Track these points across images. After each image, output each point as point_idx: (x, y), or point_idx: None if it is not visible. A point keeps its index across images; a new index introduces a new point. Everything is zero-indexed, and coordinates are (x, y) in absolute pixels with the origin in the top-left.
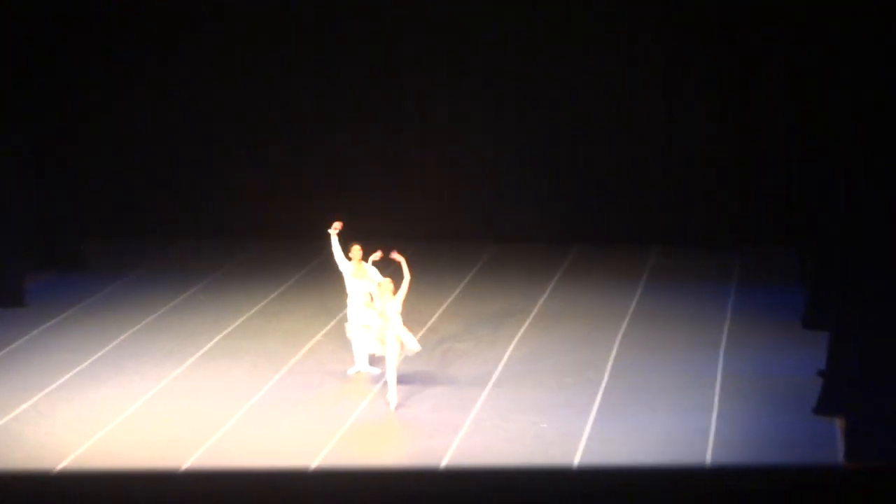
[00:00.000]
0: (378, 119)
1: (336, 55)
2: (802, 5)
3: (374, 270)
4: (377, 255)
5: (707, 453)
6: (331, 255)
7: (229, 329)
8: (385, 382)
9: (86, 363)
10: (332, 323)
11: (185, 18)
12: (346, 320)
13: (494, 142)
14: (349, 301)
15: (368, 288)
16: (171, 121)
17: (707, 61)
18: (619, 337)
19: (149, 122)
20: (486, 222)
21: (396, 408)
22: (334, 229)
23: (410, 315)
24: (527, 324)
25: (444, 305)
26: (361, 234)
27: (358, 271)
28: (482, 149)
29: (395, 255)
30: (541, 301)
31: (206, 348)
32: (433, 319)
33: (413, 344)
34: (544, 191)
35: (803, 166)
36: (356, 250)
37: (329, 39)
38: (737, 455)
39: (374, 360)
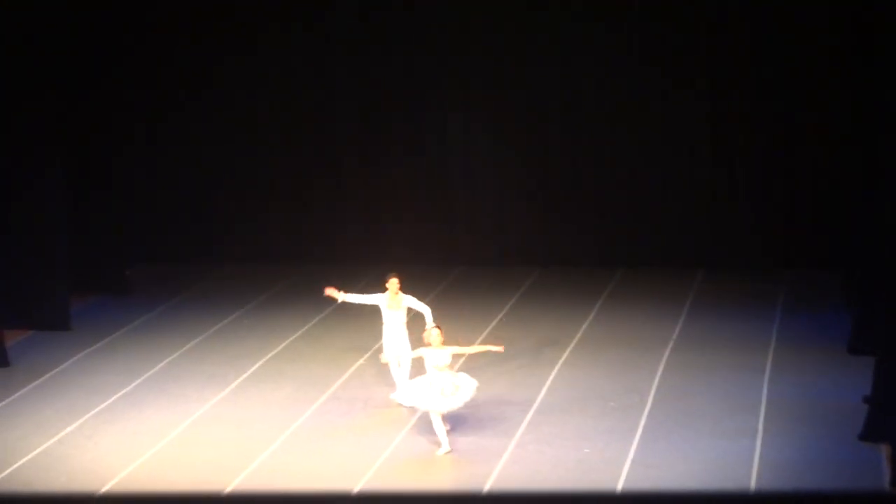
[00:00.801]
0: (419, 144)
1: (376, 80)
2: (847, 34)
3: (411, 299)
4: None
5: (751, 479)
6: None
7: (272, 353)
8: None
9: (130, 387)
10: (375, 347)
11: (228, 50)
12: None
13: (538, 166)
14: (385, 330)
15: (404, 317)
16: (214, 149)
17: (751, 87)
18: (664, 362)
19: (193, 151)
20: (529, 247)
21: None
22: (339, 298)
23: (453, 340)
24: (570, 348)
25: (488, 330)
26: (404, 260)
27: (393, 302)
28: (525, 174)
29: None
30: (584, 326)
31: (249, 372)
32: (477, 343)
33: (469, 389)
34: (588, 215)
35: (848, 191)
36: (393, 283)
37: (369, 64)
38: (781, 480)
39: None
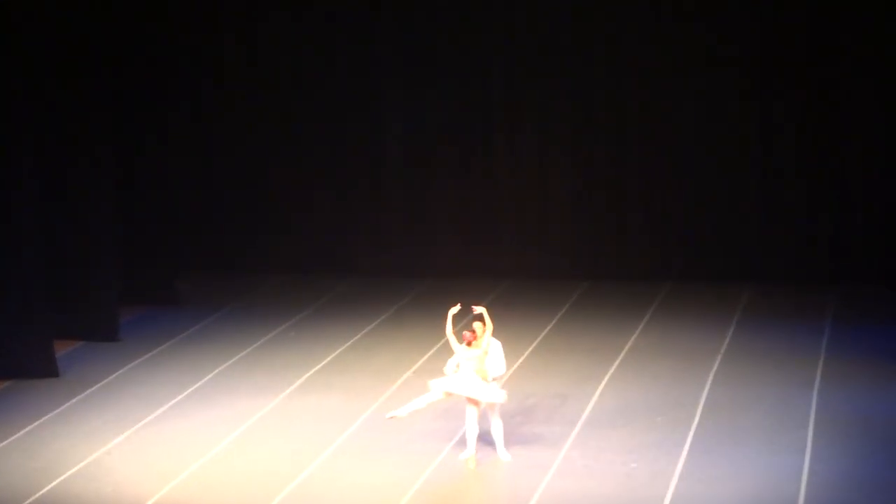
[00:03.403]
0: (467, 156)
1: (423, 94)
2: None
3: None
4: (456, 309)
5: (800, 494)
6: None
7: (320, 365)
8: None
9: (179, 397)
10: (423, 360)
11: (276, 66)
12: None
13: (585, 179)
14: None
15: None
16: (264, 160)
17: (801, 100)
18: (712, 375)
19: (243, 162)
20: (576, 260)
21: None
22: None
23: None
24: (618, 361)
25: (535, 343)
26: (451, 272)
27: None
28: (573, 187)
29: (477, 309)
30: (632, 339)
31: (297, 384)
32: (524, 357)
33: (494, 393)
34: (636, 228)
35: None
36: (479, 326)
37: (415, 78)
38: (830, 497)
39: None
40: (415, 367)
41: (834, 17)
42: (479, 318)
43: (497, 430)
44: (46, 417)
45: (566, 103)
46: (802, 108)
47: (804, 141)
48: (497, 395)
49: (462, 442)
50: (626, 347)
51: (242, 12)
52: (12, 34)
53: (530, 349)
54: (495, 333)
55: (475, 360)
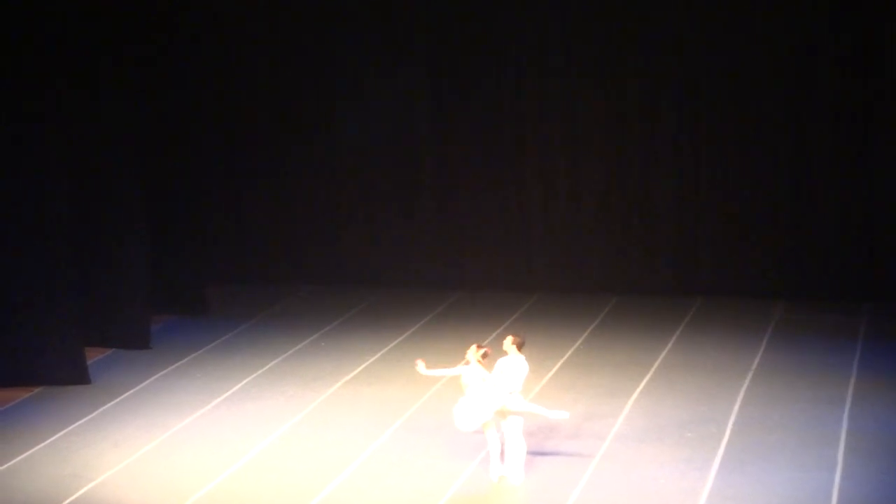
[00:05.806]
0: (498, 169)
1: (452, 106)
2: None
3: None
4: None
5: None
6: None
7: (350, 375)
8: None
9: (208, 406)
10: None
11: (307, 83)
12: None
13: (616, 193)
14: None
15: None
16: (293, 170)
17: (835, 117)
18: (742, 392)
19: (271, 172)
20: (607, 275)
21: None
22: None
23: (531, 366)
24: (648, 377)
25: (564, 358)
26: (481, 286)
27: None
28: (603, 201)
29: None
30: (662, 354)
31: (326, 394)
32: (554, 371)
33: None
34: (667, 243)
35: None
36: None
37: (445, 93)
38: None
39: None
40: (444, 380)
41: (869, 32)
42: (485, 356)
43: (517, 451)
44: (77, 424)
45: (597, 117)
46: (836, 124)
47: (837, 157)
48: (501, 400)
49: (489, 459)
50: (657, 363)
51: (271, 23)
52: (40, 43)
53: (560, 364)
54: (525, 348)
55: (476, 381)
